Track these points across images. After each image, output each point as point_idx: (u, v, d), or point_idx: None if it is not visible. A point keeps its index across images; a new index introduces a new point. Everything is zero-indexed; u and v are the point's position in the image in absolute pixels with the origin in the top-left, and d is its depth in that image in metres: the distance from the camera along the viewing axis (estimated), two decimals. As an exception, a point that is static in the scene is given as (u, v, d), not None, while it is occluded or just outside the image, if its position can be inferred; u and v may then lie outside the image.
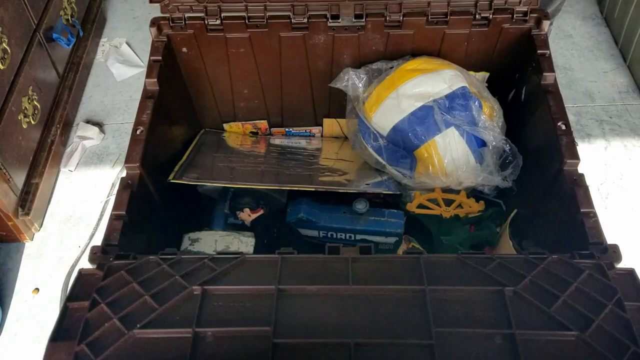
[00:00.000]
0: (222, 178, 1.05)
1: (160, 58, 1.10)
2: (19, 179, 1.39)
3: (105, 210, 1.57)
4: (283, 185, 1.03)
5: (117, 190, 0.94)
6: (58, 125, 1.60)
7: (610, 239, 0.85)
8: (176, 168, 1.06)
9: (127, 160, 0.96)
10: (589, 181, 0.94)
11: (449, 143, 1.06)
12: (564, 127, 0.99)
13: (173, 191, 1.06)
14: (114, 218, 0.90)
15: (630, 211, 1.53)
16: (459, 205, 1.10)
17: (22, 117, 1.38)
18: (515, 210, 1.13)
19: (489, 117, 1.10)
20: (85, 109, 1.86)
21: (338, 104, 1.29)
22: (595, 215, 0.90)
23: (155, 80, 1.06)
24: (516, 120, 1.18)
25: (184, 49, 1.17)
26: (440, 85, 1.08)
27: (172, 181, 1.00)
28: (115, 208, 0.91)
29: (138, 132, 1.00)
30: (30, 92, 1.43)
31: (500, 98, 1.26)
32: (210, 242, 1.03)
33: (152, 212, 1.02)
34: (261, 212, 1.06)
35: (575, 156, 0.95)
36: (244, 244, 1.03)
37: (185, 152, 1.16)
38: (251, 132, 1.36)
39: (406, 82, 1.07)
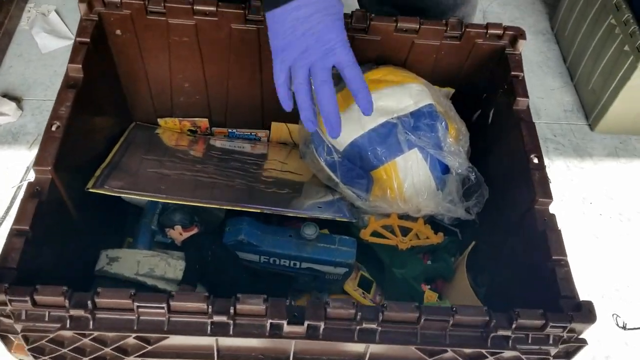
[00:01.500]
0: (150, 189, 0.90)
1: (88, 40, 0.93)
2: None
3: (16, 197, 1.40)
4: (221, 203, 0.89)
5: (22, 199, 0.78)
6: (-32, 97, 1.39)
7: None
8: (97, 173, 0.90)
9: (36, 162, 0.80)
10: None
11: (411, 166, 0.96)
12: (536, 160, 0.91)
13: (93, 198, 0.90)
14: (14, 234, 0.74)
15: (570, 234, 1.50)
16: (416, 235, 1.01)
17: None
18: (473, 243, 1.05)
19: (454, 140, 1.00)
20: (2, 81, 1.65)
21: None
22: (567, 264, 0.82)
23: (80, 66, 0.90)
24: (481, 144, 1.09)
25: (118, 31, 1.01)
26: (405, 101, 0.98)
27: (90, 190, 0.85)
28: (17, 221, 0.75)
29: (54, 128, 0.83)
30: None
31: (463, 116, 1.17)
32: (131, 262, 0.89)
33: (64, 225, 0.86)
34: (195, 230, 0.93)
35: (548, 194, 0.88)
36: (172, 267, 0.89)
37: (111, 151, 1.00)
38: (189, 130, 1.21)
39: (369, 93, 0.95)
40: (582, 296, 0.78)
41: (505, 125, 1.00)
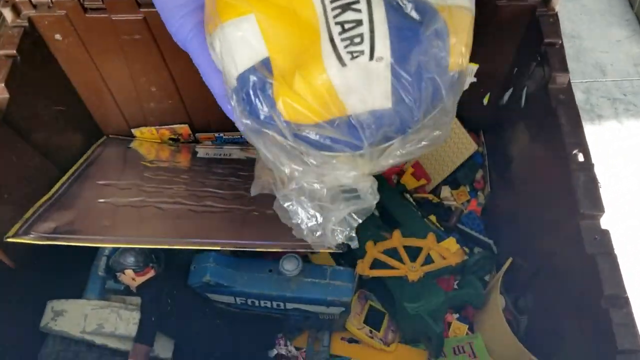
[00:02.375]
0: (92, 229, 0.74)
1: (14, 52, 0.78)
2: None
3: None
4: (175, 242, 0.72)
5: None
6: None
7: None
8: (27, 214, 0.75)
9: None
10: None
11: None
12: (581, 157, 0.68)
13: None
14: None
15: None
16: (428, 258, 0.80)
17: None
18: (510, 260, 0.83)
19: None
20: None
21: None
22: (626, 303, 0.60)
23: (3, 85, 0.75)
24: (514, 132, 0.86)
25: (57, 36, 0.85)
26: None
27: (9, 240, 0.69)
28: None
29: (-37, 166, 0.69)
30: None
31: (493, 99, 0.95)
32: (78, 317, 0.74)
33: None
34: (151, 273, 0.76)
35: (597, 205, 0.65)
36: (124, 321, 0.74)
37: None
38: (170, 139, 1.05)
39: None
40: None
41: (542, 106, 0.77)
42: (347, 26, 0.49)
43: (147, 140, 1.04)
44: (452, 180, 1.00)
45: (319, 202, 0.60)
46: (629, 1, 2.07)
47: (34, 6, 0.81)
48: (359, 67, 0.49)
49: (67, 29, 0.84)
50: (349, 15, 0.49)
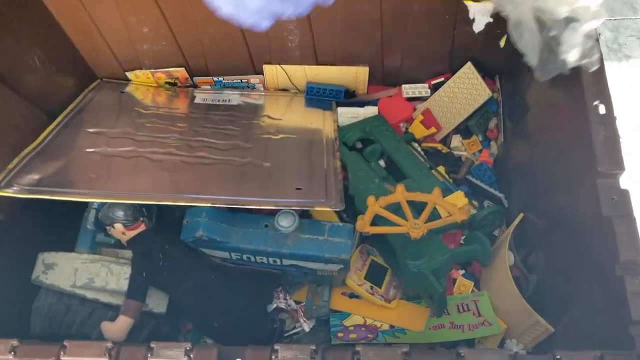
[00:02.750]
0: (78, 182, 0.70)
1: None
2: None
3: None
4: (162, 197, 0.68)
5: None
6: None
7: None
8: (10, 165, 0.71)
9: None
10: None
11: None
12: (602, 109, 0.62)
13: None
14: None
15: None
16: (433, 213, 0.75)
17: None
18: (521, 215, 0.79)
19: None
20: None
21: (280, 47, 0.92)
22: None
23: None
24: (533, 76, 0.80)
25: (38, -27, 0.79)
26: None
27: None
28: None
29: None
30: None
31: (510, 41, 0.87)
32: (68, 270, 0.72)
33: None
34: (142, 227, 0.73)
35: (617, 162, 0.59)
36: (115, 276, 0.71)
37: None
38: (167, 83, 1.00)
39: None
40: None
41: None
42: None
43: (142, 84, 0.99)
44: (464, 129, 0.94)
45: None
46: None
47: (9, -60, 0.75)
48: None
49: (49, -35, 0.78)
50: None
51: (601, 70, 0.63)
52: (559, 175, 0.70)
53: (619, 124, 0.62)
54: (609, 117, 0.61)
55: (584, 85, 0.63)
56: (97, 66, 0.97)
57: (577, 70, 0.64)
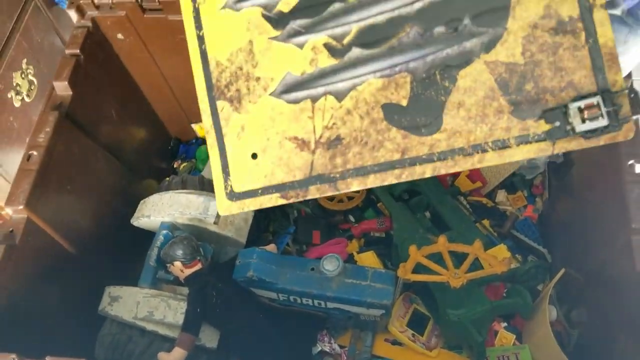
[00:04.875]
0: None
1: (77, 51, 0.82)
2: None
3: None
4: None
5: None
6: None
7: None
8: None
9: (7, 201, 0.72)
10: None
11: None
12: (638, 169, 0.64)
13: (100, 231, 0.81)
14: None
15: None
16: (474, 265, 0.78)
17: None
18: (563, 270, 0.80)
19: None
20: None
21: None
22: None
23: (66, 83, 0.80)
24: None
25: (120, 35, 0.89)
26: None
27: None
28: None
29: (30, 159, 0.74)
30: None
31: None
32: (131, 303, 0.78)
33: (58, 267, 0.78)
34: (198, 266, 0.79)
35: (652, 222, 0.61)
36: (172, 310, 0.77)
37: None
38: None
39: None
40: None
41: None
42: None
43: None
44: (509, 184, 0.96)
45: None
46: None
47: (97, 7, 0.86)
48: None
49: (128, 29, 0.88)
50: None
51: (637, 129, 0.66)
52: (597, 231, 0.72)
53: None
54: (645, 176, 0.63)
55: (621, 144, 0.65)
56: (167, 119, 1.07)
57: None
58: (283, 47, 0.58)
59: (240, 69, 0.59)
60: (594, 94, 0.52)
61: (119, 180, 0.94)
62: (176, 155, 1.11)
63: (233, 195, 0.60)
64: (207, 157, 1.06)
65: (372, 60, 0.56)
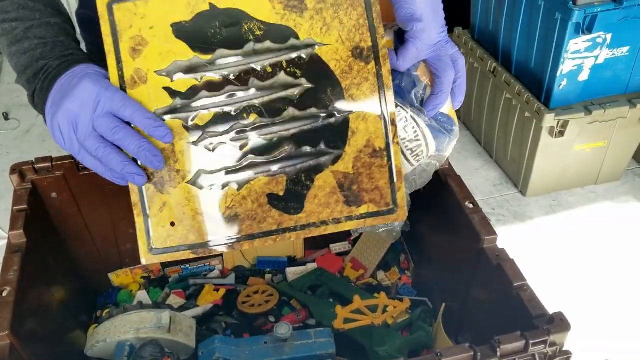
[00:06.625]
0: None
1: (25, 207, 0.96)
2: None
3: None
4: None
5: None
6: None
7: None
8: None
9: (-9, 329, 0.78)
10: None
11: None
12: (471, 205, 0.97)
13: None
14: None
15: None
16: (385, 309, 1.01)
17: None
18: (444, 305, 1.06)
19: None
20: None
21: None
22: (529, 287, 0.85)
23: (22, 231, 0.91)
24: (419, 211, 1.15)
25: (54, 194, 1.04)
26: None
27: None
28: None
29: (4, 293, 0.83)
30: None
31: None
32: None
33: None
34: (170, 363, 0.90)
35: (491, 232, 0.92)
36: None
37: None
38: (142, 277, 1.21)
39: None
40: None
41: (436, 184, 1.06)
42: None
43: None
44: (384, 265, 1.24)
45: None
46: (476, 139, 2.61)
47: (37, 171, 1.01)
48: None
49: (62, 187, 1.04)
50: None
51: (463, 184, 1.00)
52: (459, 260, 1.01)
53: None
54: (477, 208, 0.96)
55: (457, 195, 0.98)
56: (84, 269, 1.17)
57: (450, 190, 1.00)
58: (197, 149, 0.81)
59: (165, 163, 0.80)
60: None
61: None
62: (96, 306, 1.19)
63: (154, 251, 0.82)
64: (129, 299, 1.17)
65: (262, 165, 0.83)
